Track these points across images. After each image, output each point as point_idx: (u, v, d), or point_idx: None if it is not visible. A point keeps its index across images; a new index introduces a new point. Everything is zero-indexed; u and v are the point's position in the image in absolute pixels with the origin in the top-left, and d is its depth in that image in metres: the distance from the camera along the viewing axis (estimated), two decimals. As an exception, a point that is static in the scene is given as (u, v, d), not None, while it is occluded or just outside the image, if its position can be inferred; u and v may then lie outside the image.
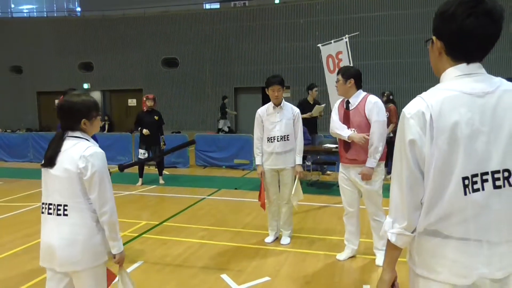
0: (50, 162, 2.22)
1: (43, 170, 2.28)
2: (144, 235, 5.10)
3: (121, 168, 3.47)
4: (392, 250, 1.52)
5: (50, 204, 2.23)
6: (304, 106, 7.91)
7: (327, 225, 5.35)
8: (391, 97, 8.13)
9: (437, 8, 1.49)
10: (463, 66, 1.43)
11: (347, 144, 3.93)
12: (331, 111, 4.30)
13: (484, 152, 1.36)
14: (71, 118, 2.26)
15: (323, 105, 8.08)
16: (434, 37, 1.48)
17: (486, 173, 1.37)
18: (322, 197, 6.77)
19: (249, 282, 3.72)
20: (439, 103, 1.37)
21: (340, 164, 4.12)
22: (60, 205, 2.20)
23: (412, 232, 1.46)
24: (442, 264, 1.41)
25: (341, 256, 4.21)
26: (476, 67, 1.43)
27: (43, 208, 2.27)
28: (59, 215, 2.20)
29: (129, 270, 4.03)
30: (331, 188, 7.39)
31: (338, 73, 4.05)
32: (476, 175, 1.36)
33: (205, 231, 5.23)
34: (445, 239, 1.40)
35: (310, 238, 4.87)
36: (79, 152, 2.18)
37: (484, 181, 1.37)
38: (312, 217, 5.75)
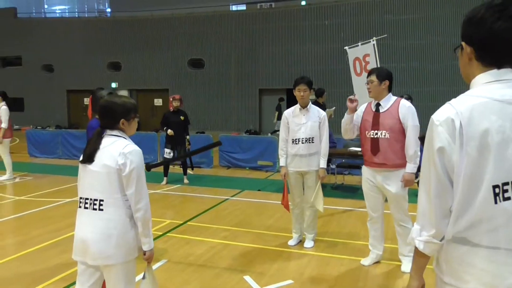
0: (89, 158, 2.30)
1: (81, 166, 2.36)
2: (168, 234, 5.16)
3: (148, 167, 3.54)
4: (420, 257, 1.51)
5: (87, 198, 2.31)
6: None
7: (351, 229, 5.29)
8: (409, 100, 7.86)
9: (466, 11, 1.46)
10: (493, 71, 1.39)
11: (375, 147, 3.82)
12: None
13: None
14: (111, 117, 2.35)
15: (333, 108, 8.02)
16: (463, 43, 1.46)
17: None
18: (346, 201, 6.69)
19: (272, 285, 3.71)
20: (468, 110, 1.34)
21: (364, 167, 4.02)
22: (97, 200, 2.27)
23: (441, 240, 1.44)
24: (471, 273, 1.38)
25: (366, 261, 4.15)
26: (506, 72, 1.39)
27: (80, 202, 2.35)
28: (95, 209, 2.27)
29: (153, 268, 4.08)
30: (356, 192, 7.29)
31: (370, 74, 3.94)
32: (507, 183, 1.32)
33: (228, 231, 5.25)
34: (474, 248, 1.37)
35: (333, 242, 4.82)
36: (119, 149, 2.26)
37: None
38: (336, 221, 5.69)
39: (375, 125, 3.84)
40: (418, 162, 3.75)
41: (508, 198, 1.32)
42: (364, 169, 4.03)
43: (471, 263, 1.37)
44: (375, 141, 3.83)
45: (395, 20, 17.04)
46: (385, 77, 3.84)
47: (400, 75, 16.61)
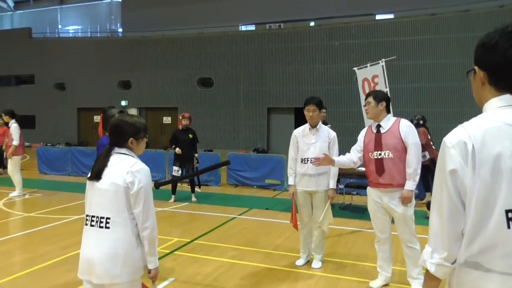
0: (97, 175, 2.32)
1: (89, 183, 2.38)
2: (175, 252, 5.14)
3: (157, 185, 3.57)
4: (431, 280, 1.49)
5: (93, 216, 2.31)
6: None
7: (360, 250, 5.23)
8: (421, 121, 7.81)
9: (474, 32, 1.48)
10: (506, 96, 1.41)
11: (379, 167, 3.84)
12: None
13: None
14: (121, 135, 2.38)
15: (329, 125, 8.04)
16: (476, 68, 1.48)
17: None
18: (354, 222, 6.64)
19: (280, 306, 3.67)
20: (481, 134, 1.35)
21: (369, 189, 4.02)
22: (103, 217, 2.27)
23: (452, 263, 1.43)
24: None
25: (375, 283, 4.09)
26: None
27: (87, 220, 2.35)
28: (101, 227, 2.27)
29: (160, 286, 4.06)
30: (364, 213, 7.22)
31: (367, 97, 4.06)
32: None
33: (236, 250, 5.22)
34: (487, 273, 1.36)
35: (342, 263, 4.77)
36: (127, 167, 2.28)
37: None
38: (344, 242, 5.63)
39: (378, 146, 3.87)
40: (417, 180, 3.77)
41: None
42: (370, 191, 4.02)
43: None
44: (379, 162, 3.85)
45: (404, 41, 17.16)
46: (381, 98, 3.92)
47: (409, 95, 16.64)
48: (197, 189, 8.76)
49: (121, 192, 2.26)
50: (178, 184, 8.79)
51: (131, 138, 2.38)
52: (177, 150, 7.89)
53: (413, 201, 3.84)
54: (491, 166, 1.33)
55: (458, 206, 1.38)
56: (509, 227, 1.32)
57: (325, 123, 8.21)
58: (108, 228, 2.26)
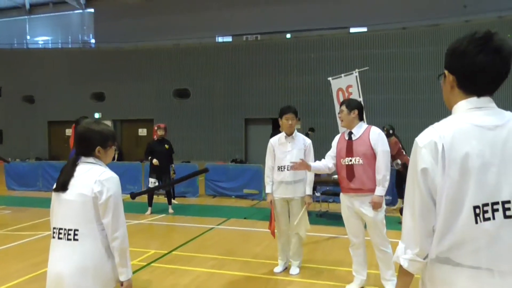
0: (63, 186, 2.23)
1: (54, 195, 2.29)
2: (152, 264, 5.07)
3: (133, 196, 3.52)
4: (404, 276, 1.55)
5: (60, 228, 2.22)
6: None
7: (336, 256, 5.29)
8: (390, 131, 7.94)
9: (445, 46, 1.57)
10: (474, 99, 1.49)
11: (350, 173, 3.97)
12: None
13: (494, 183, 1.40)
14: (87, 144, 2.30)
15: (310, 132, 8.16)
16: (446, 72, 1.56)
17: (497, 203, 1.40)
18: (331, 228, 6.71)
19: (259, 313, 3.66)
20: (450, 134, 1.42)
21: (342, 195, 4.14)
22: (71, 229, 2.19)
23: (424, 259, 1.48)
24: None
25: (350, 287, 4.15)
26: (486, 101, 1.49)
27: (54, 232, 2.26)
28: (70, 240, 2.18)
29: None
30: (341, 219, 7.24)
31: (341, 105, 4.21)
32: (487, 205, 1.39)
33: (214, 260, 5.19)
34: (457, 267, 1.42)
35: (319, 268, 4.82)
36: (95, 176, 2.20)
37: (494, 210, 1.39)
38: (321, 248, 5.69)
39: (349, 152, 4.00)
40: (386, 186, 3.90)
41: (488, 219, 1.39)
42: (342, 197, 4.14)
43: (454, 283, 1.42)
44: (350, 168, 3.98)
45: (376, 54, 17.63)
46: (354, 107, 4.06)
47: (381, 106, 17.04)
48: (173, 200, 8.67)
49: (89, 202, 2.17)
50: (155, 197, 8.67)
51: (98, 147, 2.30)
52: (155, 161, 7.81)
53: (384, 205, 3.95)
54: (459, 165, 1.39)
55: (429, 203, 1.44)
56: (476, 222, 1.39)
57: (312, 129, 8.32)
58: (77, 240, 2.17)
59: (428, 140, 1.44)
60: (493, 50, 1.43)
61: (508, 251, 1.39)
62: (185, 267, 4.92)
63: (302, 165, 4.07)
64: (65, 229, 2.20)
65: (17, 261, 5.24)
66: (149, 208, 8.14)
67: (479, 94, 1.48)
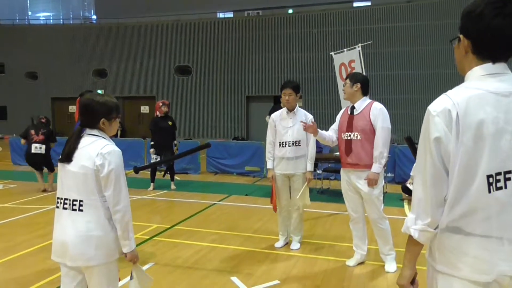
0: (67, 157, 2.27)
1: (60, 165, 2.32)
2: (155, 238, 5.16)
3: (136, 170, 3.56)
4: (414, 246, 1.52)
5: (66, 199, 2.27)
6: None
7: (337, 232, 5.36)
8: None
9: (450, 20, 1.51)
10: (488, 65, 1.44)
11: (348, 148, 3.96)
12: None
13: (508, 151, 1.38)
14: (91, 116, 2.31)
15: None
16: (461, 36, 1.50)
17: (509, 172, 1.39)
18: (332, 205, 6.77)
19: (259, 285, 3.74)
20: (465, 101, 1.39)
21: (342, 170, 4.16)
22: (76, 200, 2.23)
23: (435, 229, 1.46)
24: (464, 260, 1.42)
25: (351, 262, 4.22)
26: (501, 67, 1.45)
27: (58, 202, 2.31)
28: (74, 210, 2.23)
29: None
30: (341, 196, 7.36)
31: (346, 78, 4.17)
32: (499, 173, 1.38)
33: (215, 235, 5.27)
34: (467, 236, 1.41)
35: (320, 244, 4.88)
36: (97, 149, 2.22)
37: (507, 179, 1.39)
38: (322, 224, 5.75)
39: (349, 127, 3.99)
40: (383, 163, 3.88)
41: (501, 188, 1.38)
42: (342, 172, 4.17)
43: (464, 251, 1.41)
44: (348, 143, 3.98)
45: (380, 29, 17.34)
46: (357, 80, 4.01)
47: (385, 82, 16.89)
48: (176, 177, 8.73)
49: (91, 174, 2.20)
50: (157, 173, 8.73)
51: (103, 119, 2.31)
52: (152, 150, 7.87)
53: (382, 182, 3.96)
54: (474, 132, 1.37)
55: (441, 172, 1.42)
56: (489, 191, 1.37)
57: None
58: (82, 210, 2.22)
59: (442, 108, 1.40)
60: (510, 13, 1.37)
61: None
62: (187, 241, 5.00)
63: (311, 127, 4.02)
64: (69, 200, 2.25)
65: (24, 233, 5.35)
66: (152, 184, 8.22)
67: (494, 60, 1.44)
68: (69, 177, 2.27)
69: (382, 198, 4.02)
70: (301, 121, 4.17)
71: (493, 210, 1.38)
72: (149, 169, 8.24)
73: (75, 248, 2.21)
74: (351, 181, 4.03)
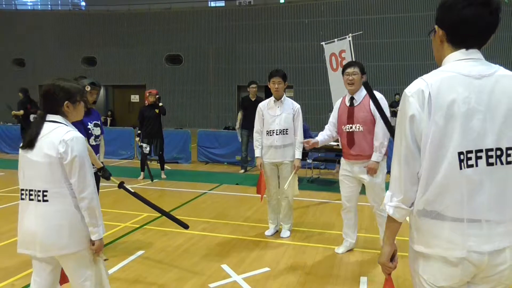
0: (30, 144, 2.20)
1: (21, 153, 2.25)
2: (145, 226, 5.16)
3: (120, 186, 3.54)
4: (391, 223, 1.61)
5: (31, 190, 2.21)
6: (247, 104, 8.80)
7: (326, 220, 5.41)
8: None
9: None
10: (462, 51, 1.52)
11: (351, 140, 3.97)
12: (332, 109, 4.36)
13: (479, 130, 1.43)
14: (54, 99, 2.25)
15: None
16: (436, 26, 1.58)
17: (481, 151, 1.44)
18: (322, 194, 6.83)
19: (249, 272, 3.78)
20: (437, 82, 1.46)
21: (342, 159, 4.18)
22: (40, 191, 2.18)
23: (410, 207, 1.54)
24: (436, 242, 1.49)
25: (339, 249, 4.27)
26: (474, 52, 1.52)
27: (22, 194, 2.25)
28: (40, 201, 2.19)
29: (130, 259, 4.09)
30: (332, 185, 7.44)
31: (351, 66, 4.04)
32: (470, 151, 1.43)
33: (206, 223, 5.29)
34: (440, 220, 1.47)
35: (309, 232, 4.93)
36: (59, 136, 2.17)
37: (478, 158, 1.44)
38: (312, 212, 5.80)
39: (350, 119, 3.98)
40: (383, 152, 3.90)
41: (471, 166, 1.43)
42: (342, 161, 4.18)
43: (438, 234, 1.48)
44: (350, 135, 3.98)
45: (372, 19, 17.34)
46: (364, 71, 4.02)
47: (375, 73, 16.93)
48: (167, 166, 8.71)
49: (56, 163, 2.16)
50: (148, 162, 8.69)
51: (66, 102, 2.25)
52: (142, 145, 7.87)
53: (385, 170, 3.97)
54: (445, 111, 1.43)
55: (413, 149, 1.49)
56: (460, 168, 1.43)
57: (260, 99, 8.37)
58: (47, 201, 2.18)
59: (416, 89, 1.48)
60: (481, 2, 1.44)
61: (492, 200, 1.44)
62: (177, 230, 4.99)
63: (313, 145, 4.09)
64: (35, 190, 2.20)
65: (10, 221, 5.28)
66: (142, 173, 8.19)
67: (467, 47, 1.51)
68: (32, 167, 2.21)
69: (384, 186, 4.04)
70: (301, 142, 4.40)
71: (465, 189, 1.43)
72: (141, 166, 8.23)
73: (47, 239, 2.18)
74: (354, 172, 4.03)
